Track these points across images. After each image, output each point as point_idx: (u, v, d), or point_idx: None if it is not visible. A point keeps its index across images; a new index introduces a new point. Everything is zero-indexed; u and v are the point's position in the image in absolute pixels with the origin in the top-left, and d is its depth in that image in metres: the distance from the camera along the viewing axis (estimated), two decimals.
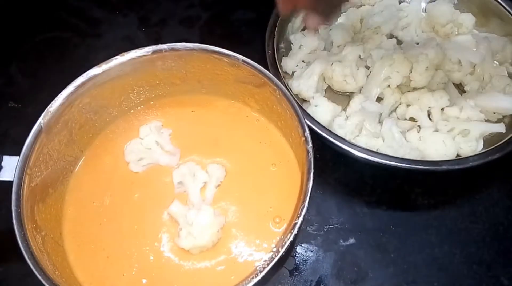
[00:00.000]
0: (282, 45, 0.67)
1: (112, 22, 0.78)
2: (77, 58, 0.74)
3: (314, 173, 0.43)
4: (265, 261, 0.40)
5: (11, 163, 0.46)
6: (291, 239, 0.40)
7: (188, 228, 0.48)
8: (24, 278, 0.53)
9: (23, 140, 0.47)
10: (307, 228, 0.56)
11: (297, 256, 0.54)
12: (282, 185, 0.52)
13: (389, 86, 0.61)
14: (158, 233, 0.50)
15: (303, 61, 0.67)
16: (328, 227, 0.56)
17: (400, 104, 0.62)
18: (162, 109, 0.59)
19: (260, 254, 0.47)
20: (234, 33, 0.77)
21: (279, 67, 0.61)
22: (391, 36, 0.70)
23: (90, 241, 0.50)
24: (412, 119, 0.61)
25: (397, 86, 0.61)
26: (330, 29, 0.68)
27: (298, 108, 0.48)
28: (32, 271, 0.52)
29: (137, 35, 0.77)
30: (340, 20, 0.72)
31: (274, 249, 0.40)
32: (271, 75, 0.51)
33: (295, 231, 0.40)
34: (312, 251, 0.55)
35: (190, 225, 0.48)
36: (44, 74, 0.73)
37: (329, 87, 0.66)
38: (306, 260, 0.54)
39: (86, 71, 0.51)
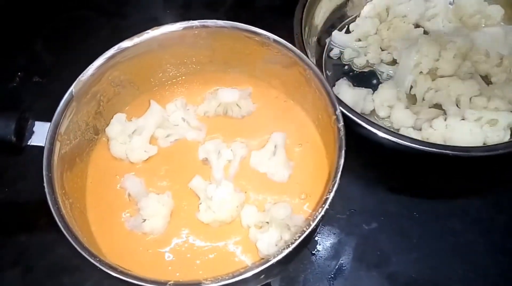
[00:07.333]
0: (307, 29, 0.67)
1: (137, 3, 0.79)
2: (102, 37, 0.75)
3: (345, 151, 0.43)
4: (295, 234, 0.40)
5: (42, 129, 0.46)
6: (322, 213, 0.40)
7: (208, 202, 0.48)
8: (47, 246, 0.54)
9: (46, 114, 0.47)
10: (330, 210, 0.56)
11: (319, 238, 0.54)
12: (307, 164, 0.52)
13: (421, 72, 0.60)
14: (180, 207, 0.50)
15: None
16: (351, 211, 0.56)
17: (430, 89, 0.61)
18: (187, 86, 0.59)
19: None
20: (258, 18, 0.77)
21: (306, 49, 0.60)
22: (417, 26, 0.70)
23: (112, 214, 0.50)
24: (438, 106, 0.61)
25: (428, 72, 0.60)
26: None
27: (329, 87, 0.48)
28: (55, 239, 0.53)
29: (162, 16, 0.78)
30: (367, 9, 0.72)
31: (305, 223, 0.40)
32: (302, 54, 0.51)
33: (326, 206, 0.40)
34: (334, 234, 0.55)
35: (210, 199, 0.48)
36: (69, 52, 0.73)
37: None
38: (328, 242, 0.54)
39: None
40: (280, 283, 0.51)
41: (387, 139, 0.51)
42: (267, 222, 0.47)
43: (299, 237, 0.39)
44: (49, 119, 0.47)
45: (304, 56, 0.51)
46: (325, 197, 0.41)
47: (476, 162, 0.56)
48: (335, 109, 0.47)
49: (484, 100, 0.59)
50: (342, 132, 0.45)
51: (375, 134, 0.52)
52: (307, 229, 0.39)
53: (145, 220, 0.48)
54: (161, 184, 0.52)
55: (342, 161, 0.43)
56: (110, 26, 0.76)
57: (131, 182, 0.51)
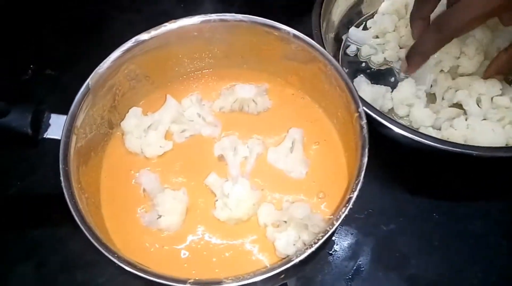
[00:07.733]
0: (324, 24, 0.65)
1: None
2: (115, 31, 0.74)
3: (368, 149, 0.42)
4: (314, 233, 0.39)
5: (58, 121, 0.45)
6: (346, 212, 0.39)
7: (224, 200, 0.47)
8: (60, 241, 0.53)
9: (59, 106, 0.47)
10: None
11: (336, 238, 0.53)
12: (324, 163, 0.51)
13: (442, 70, 0.59)
14: (195, 204, 0.49)
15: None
16: (369, 211, 0.55)
17: (450, 88, 0.60)
18: (203, 81, 0.58)
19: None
20: (273, 14, 0.74)
21: (324, 45, 0.59)
22: None
23: (127, 209, 0.49)
24: (458, 105, 0.59)
25: (449, 70, 0.59)
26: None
27: (351, 84, 0.47)
28: (68, 234, 0.52)
29: (176, 10, 0.76)
30: (385, 5, 0.71)
31: (328, 222, 0.39)
32: (323, 50, 0.50)
33: (350, 205, 0.39)
34: (352, 234, 0.53)
35: (226, 197, 0.47)
36: (80, 45, 0.73)
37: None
38: (346, 242, 0.53)
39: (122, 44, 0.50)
40: (296, 283, 0.50)
41: (412, 139, 0.50)
42: (285, 221, 0.46)
43: (322, 236, 0.37)
44: (62, 112, 0.46)
45: (326, 52, 0.50)
46: (348, 196, 0.40)
47: (499, 163, 0.55)
48: (358, 107, 0.45)
49: (507, 100, 0.58)
50: (365, 130, 0.44)
51: (398, 133, 0.50)
52: (330, 228, 0.38)
53: (160, 216, 0.47)
54: (176, 180, 0.51)
55: (365, 159, 0.41)
56: (123, 20, 0.75)
57: (146, 177, 0.50)
